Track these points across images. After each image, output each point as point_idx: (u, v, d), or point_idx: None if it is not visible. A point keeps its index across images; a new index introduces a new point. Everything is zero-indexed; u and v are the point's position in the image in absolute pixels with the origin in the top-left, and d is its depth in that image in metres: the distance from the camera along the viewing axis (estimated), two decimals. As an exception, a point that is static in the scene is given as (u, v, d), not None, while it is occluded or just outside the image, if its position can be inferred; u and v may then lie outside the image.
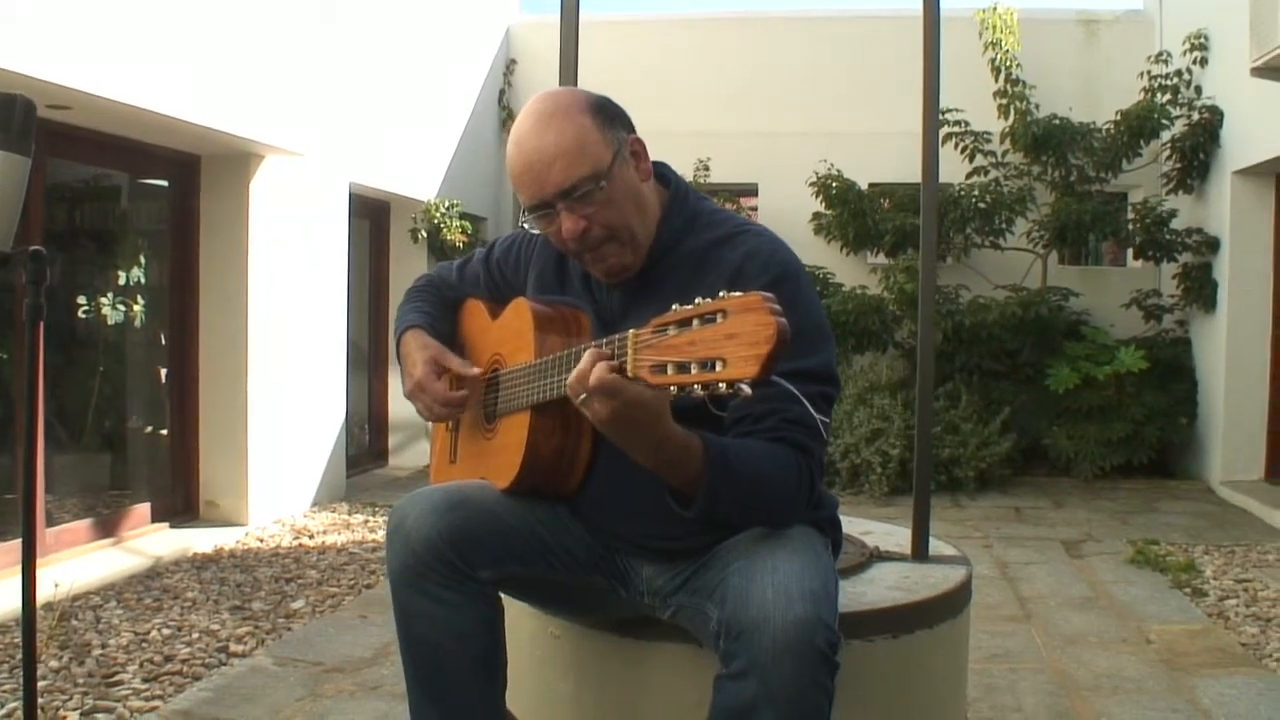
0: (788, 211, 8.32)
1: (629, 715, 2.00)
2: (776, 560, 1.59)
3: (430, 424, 2.21)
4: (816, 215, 8.28)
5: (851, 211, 8.08)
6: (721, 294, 1.32)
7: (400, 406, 8.06)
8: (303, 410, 6.27)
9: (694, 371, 1.32)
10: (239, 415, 5.72)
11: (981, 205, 7.90)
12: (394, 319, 2.28)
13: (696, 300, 1.34)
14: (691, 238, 1.87)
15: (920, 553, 2.51)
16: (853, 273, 8.37)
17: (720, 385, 1.30)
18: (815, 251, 8.20)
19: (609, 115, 1.81)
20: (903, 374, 7.82)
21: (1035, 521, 6.27)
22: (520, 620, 2.10)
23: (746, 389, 1.29)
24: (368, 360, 7.87)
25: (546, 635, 2.11)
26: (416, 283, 2.34)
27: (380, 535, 5.60)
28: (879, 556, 2.48)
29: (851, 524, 2.62)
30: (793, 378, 1.55)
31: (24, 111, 1.55)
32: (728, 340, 1.29)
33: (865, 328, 7.72)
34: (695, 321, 1.33)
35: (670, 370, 1.35)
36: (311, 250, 6.31)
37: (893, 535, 2.72)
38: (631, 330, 1.44)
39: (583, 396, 1.50)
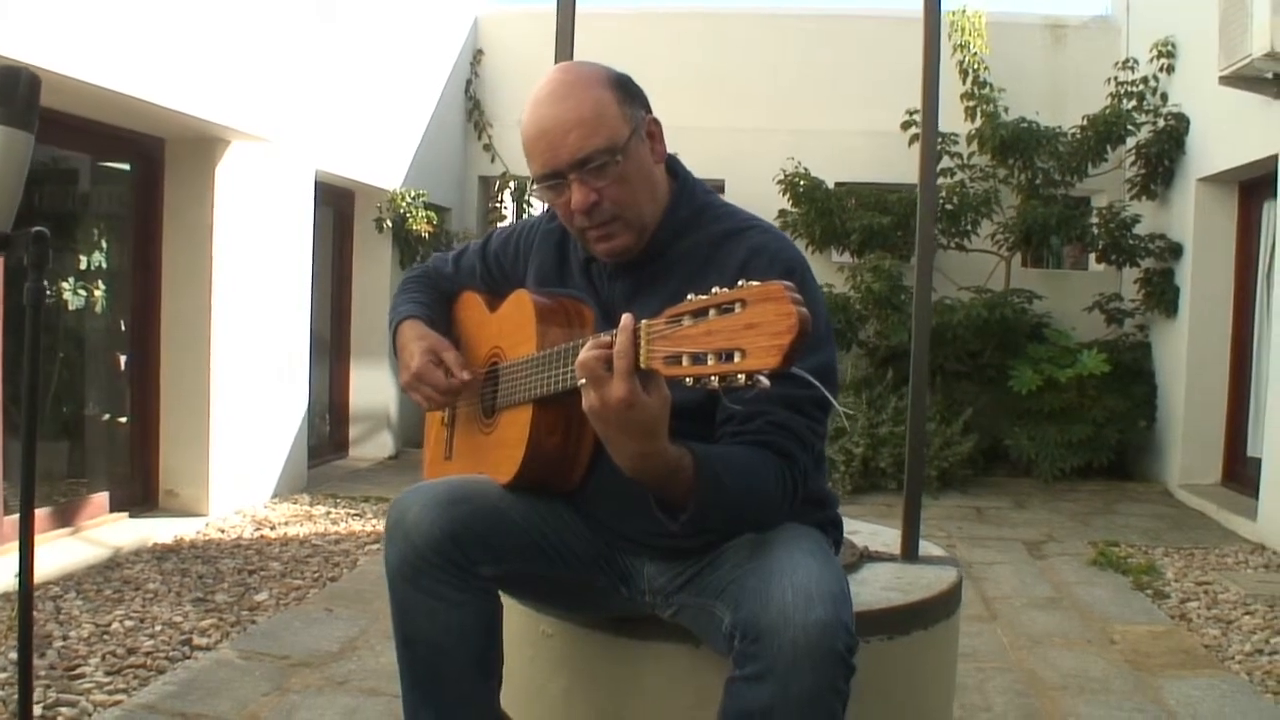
0: (754, 208, 8.20)
1: (623, 716, 1.98)
2: (794, 561, 1.57)
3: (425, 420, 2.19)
4: (783, 213, 8.30)
5: (818, 210, 8.11)
6: (741, 283, 1.30)
7: (363, 397, 8.02)
8: (265, 400, 6.20)
9: (711, 363, 1.30)
10: (200, 404, 5.64)
11: (949, 207, 7.96)
12: (389, 310, 2.25)
13: (713, 290, 1.33)
14: (698, 230, 1.86)
15: (910, 553, 2.52)
16: (819, 271, 8.37)
17: (739, 377, 1.28)
18: None
19: (629, 92, 1.80)
20: (865, 372, 7.86)
21: (997, 522, 6.33)
22: (510, 617, 2.06)
23: (765, 380, 1.28)
24: (330, 350, 7.81)
25: (538, 633, 2.09)
26: (411, 273, 2.31)
27: (343, 528, 5.57)
28: (869, 557, 2.48)
29: None
30: (792, 379, 1.52)
31: (28, 86, 1.50)
32: (747, 330, 1.27)
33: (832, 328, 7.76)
34: (712, 311, 1.31)
35: (685, 361, 1.33)
36: (276, 238, 6.24)
37: (878, 535, 2.72)
38: (644, 320, 1.42)
39: (592, 376, 1.47)
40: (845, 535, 2.63)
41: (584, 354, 1.49)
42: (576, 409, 1.54)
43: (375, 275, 7.89)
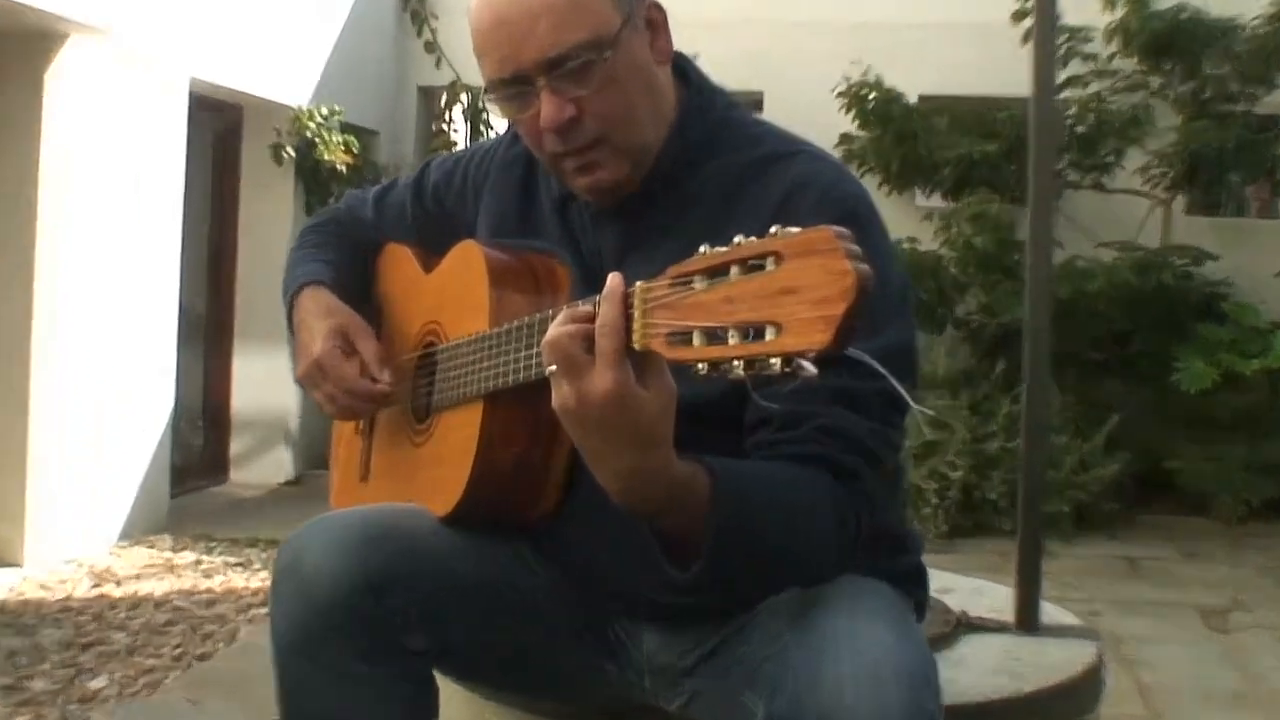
0: (804, 132, 8.21)
1: None
2: (856, 628, 1.55)
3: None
4: (846, 138, 8.31)
5: (896, 134, 8.12)
6: (774, 230, 1.28)
7: (251, 398, 8.04)
8: (110, 402, 6.20)
9: (733, 342, 1.28)
10: (16, 409, 5.65)
11: (1080, 129, 7.95)
12: (283, 272, 2.25)
13: (735, 240, 1.31)
14: (718, 157, 1.86)
15: (1029, 621, 2.51)
16: (896, 220, 8.32)
17: (772, 361, 1.26)
18: None
19: None
20: (967, 364, 7.85)
21: (1159, 579, 6.32)
22: (450, 709, 2.05)
23: (811, 367, 1.26)
24: (206, 331, 7.83)
25: (489, 733, 2.07)
26: (315, 220, 2.33)
27: (219, 583, 5.59)
28: (969, 625, 2.48)
29: None
30: (851, 365, 1.49)
31: None
32: (784, 296, 1.24)
33: (915, 298, 7.74)
34: (734, 270, 1.29)
35: (697, 340, 1.31)
36: (131, 172, 6.23)
37: (984, 594, 2.73)
38: (639, 283, 1.41)
39: (551, 371, 1.47)
40: (934, 594, 2.62)
41: (554, 330, 1.47)
42: (545, 408, 1.52)
43: (271, 225, 7.86)
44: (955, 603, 2.59)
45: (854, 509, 1.67)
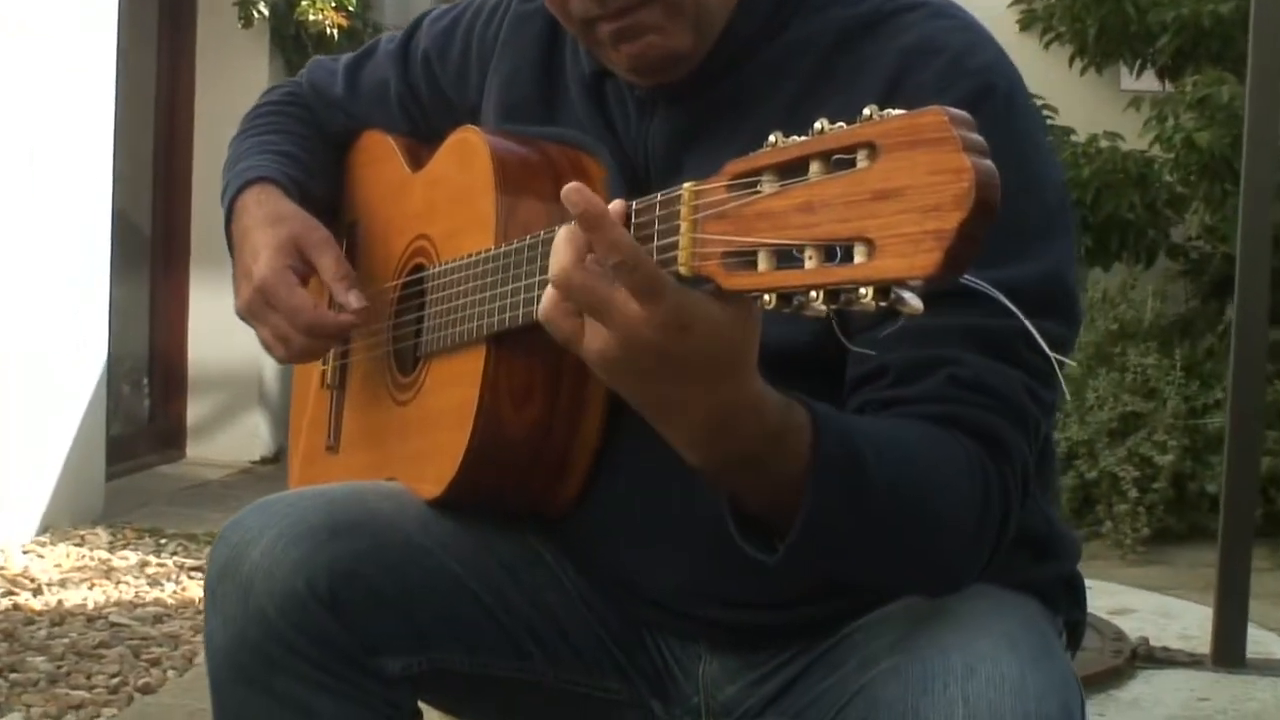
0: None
1: None
2: (973, 653, 1.56)
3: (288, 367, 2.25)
4: (1018, -3, 8.26)
5: (1093, -10, 8.03)
6: (866, 112, 1.27)
7: (213, 346, 8.04)
8: (19, 354, 6.24)
9: (811, 264, 1.27)
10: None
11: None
12: (222, 168, 2.30)
13: (816, 127, 1.30)
14: (804, 20, 1.87)
15: (1229, 654, 2.50)
16: (1093, 108, 8.31)
17: (863, 291, 1.25)
18: (1021, 66, 8.02)
19: None
20: (1183, 308, 7.76)
21: None
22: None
23: (915, 301, 1.25)
24: (151, 255, 7.89)
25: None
26: (264, 97, 2.38)
27: (169, 592, 5.63)
28: (1150, 657, 2.47)
29: (1091, 591, 2.60)
30: (977, 298, 1.50)
31: None
32: (879, 203, 1.23)
33: (1114, 216, 7.66)
34: (813, 167, 1.29)
35: (764, 263, 1.31)
36: (49, 41, 6.25)
37: (1175, 618, 2.72)
38: (687, 185, 1.40)
39: (574, 296, 1.45)
40: (1106, 615, 2.62)
41: (560, 252, 1.44)
42: (568, 355, 1.55)
43: (238, 112, 7.81)
44: (1134, 627, 2.58)
45: (1003, 487, 1.67)
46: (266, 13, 7.68)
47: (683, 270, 1.39)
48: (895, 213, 1.22)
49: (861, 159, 1.25)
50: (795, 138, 1.32)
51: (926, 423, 1.64)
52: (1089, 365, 7.32)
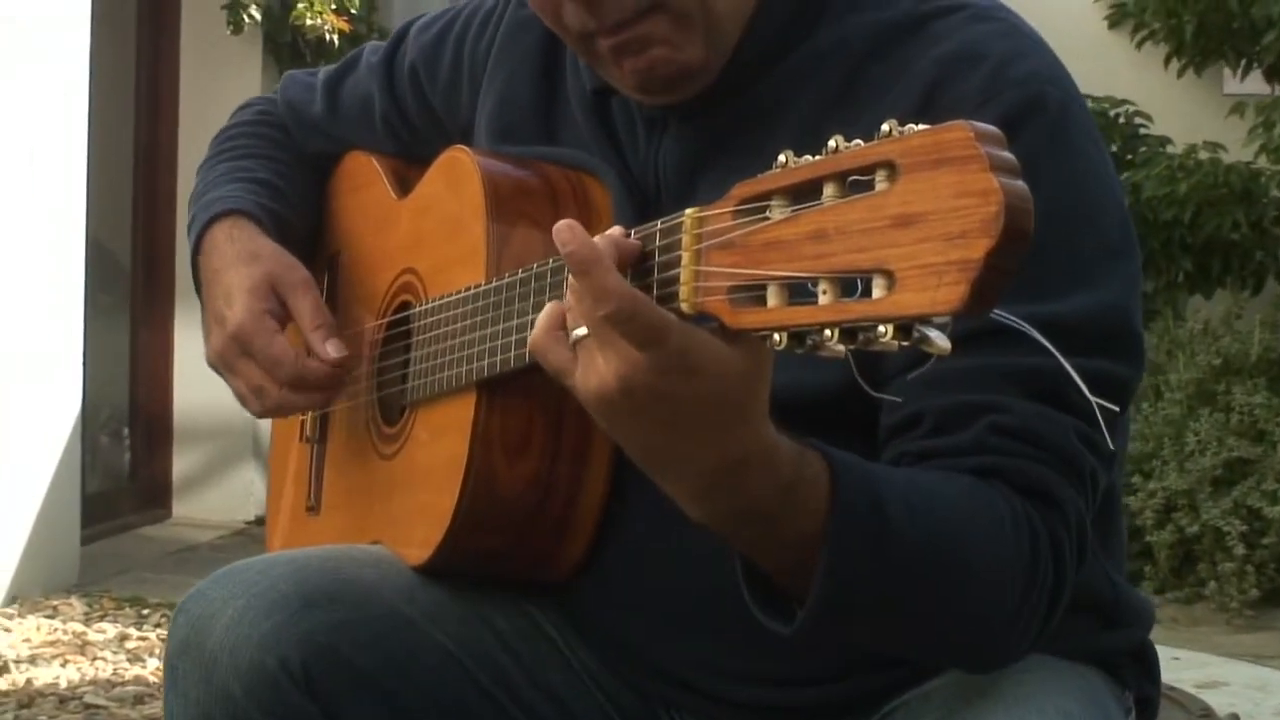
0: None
1: None
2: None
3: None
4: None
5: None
6: (885, 128, 1.21)
7: (201, 391, 7.86)
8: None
9: (825, 299, 1.23)
10: None
11: None
12: (189, 195, 2.27)
13: (830, 145, 1.24)
14: (830, 26, 1.83)
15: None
16: (1191, 115, 8.33)
17: (881, 330, 1.20)
18: (1110, 68, 8.11)
19: None
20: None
21: None
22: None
23: (942, 340, 1.20)
24: (133, 289, 7.86)
25: None
26: (235, 118, 2.36)
27: (154, 668, 5.52)
28: (1242, 747, 2.41)
29: (1178, 663, 2.51)
30: (1018, 338, 1.48)
31: None
32: (898, 230, 1.19)
33: (1216, 237, 7.63)
34: (827, 189, 1.25)
35: (774, 298, 1.27)
36: (16, 44, 6.19)
37: (1270, 691, 2.64)
38: (689, 211, 1.37)
39: (577, 336, 1.42)
40: (1193, 688, 2.53)
41: (541, 328, 1.45)
42: (569, 401, 1.51)
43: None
44: (1223, 702, 2.55)
45: (1053, 546, 1.61)
46: (258, 15, 7.63)
47: (685, 307, 1.38)
48: (916, 241, 1.19)
49: (880, 180, 1.22)
50: (807, 157, 1.30)
51: (966, 476, 1.60)
52: (1189, 405, 7.33)
